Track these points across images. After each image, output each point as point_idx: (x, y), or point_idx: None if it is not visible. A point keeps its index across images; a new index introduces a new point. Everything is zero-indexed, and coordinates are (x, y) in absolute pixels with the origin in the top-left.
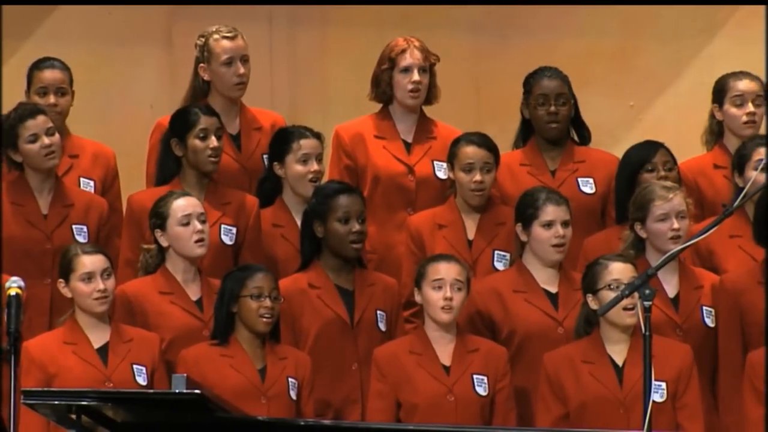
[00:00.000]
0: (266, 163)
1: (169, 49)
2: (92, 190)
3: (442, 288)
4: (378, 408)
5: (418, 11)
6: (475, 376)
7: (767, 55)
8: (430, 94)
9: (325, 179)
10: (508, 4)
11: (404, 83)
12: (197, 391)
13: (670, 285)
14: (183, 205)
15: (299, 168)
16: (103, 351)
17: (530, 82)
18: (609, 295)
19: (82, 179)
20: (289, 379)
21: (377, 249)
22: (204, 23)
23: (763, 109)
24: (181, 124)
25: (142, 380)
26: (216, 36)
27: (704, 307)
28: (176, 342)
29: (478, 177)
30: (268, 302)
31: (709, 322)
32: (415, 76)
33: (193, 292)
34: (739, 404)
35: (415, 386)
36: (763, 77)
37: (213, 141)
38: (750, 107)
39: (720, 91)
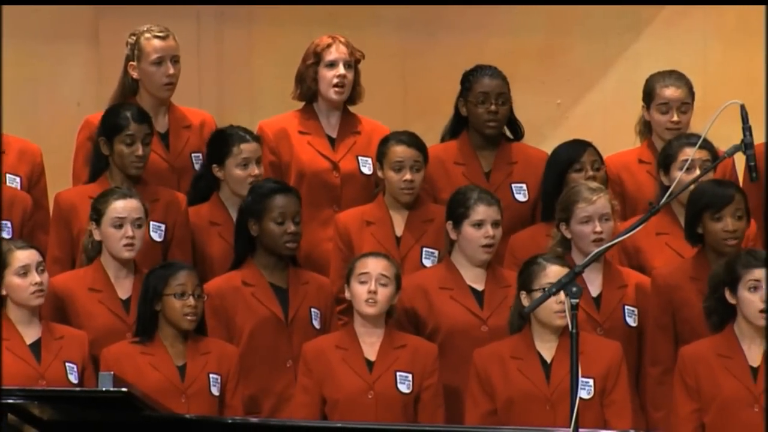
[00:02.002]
0: (194, 161)
1: (96, 46)
2: (18, 186)
3: (367, 282)
4: (303, 403)
5: (345, 9)
6: (398, 373)
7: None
8: (354, 93)
9: None
10: (435, 3)
11: (329, 77)
12: (124, 389)
13: (594, 284)
14: (119, 207)
15: (239, 172)
16: (36, 348)
17: (470, 79)
18: None
19: (8, 175)
20: (211, 375)
21: (302, 246)
22: (131, 21)
23: (689, 115)
24: (109, 125)
25: (74, 378)
26: (147, 35)
27: (626, 307)
28: (98, 342)
29: (408, 176)
30: (191, 300)
31: (631, 321)
32: (341, 70)
33: (125, 290)
34: (669, 400)
35: (337, 382)
36: (692, 75)
37: (138, 149)
38: (674, 116)
39: (648, 94)
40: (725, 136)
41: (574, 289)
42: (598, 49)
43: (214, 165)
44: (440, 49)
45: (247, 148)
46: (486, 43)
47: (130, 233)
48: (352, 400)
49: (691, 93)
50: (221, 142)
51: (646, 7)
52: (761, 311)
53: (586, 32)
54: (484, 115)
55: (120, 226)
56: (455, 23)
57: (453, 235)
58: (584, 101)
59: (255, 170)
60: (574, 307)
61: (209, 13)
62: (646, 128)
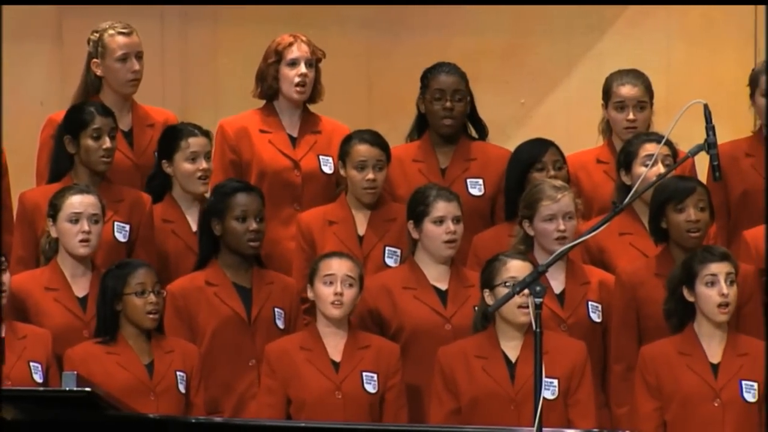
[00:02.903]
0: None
1: (60, 46)
2: None
3: (333, 283)
4: (267, 404)
5: (309, 9)
6: (364, 374)
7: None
8: (315, 92)
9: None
10: (399, 3)
11: (291, 76)
12: (88, 388)
13: (557, 281)
14: (76, 202)
15: (187, 166)
16: None
17: (428, 76)
18: (504, 292)
19: None
20: (177, 373)
21: (263, 244)
22: (95, 20)
23: (646, 113)
24: (75, 121)
25: (38, 377)
26: (111, 32)
27: (590, 303)
28: (55, 341)
29: (370, 175)
30: (152, 297)
31: (595, 317)
32: (302, 69)
33: (81, 288)
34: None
35: (303, 382)
36: (655, 75)
37: (106, 142)
38: (630, 115)
39: (606, 92)
40: (688, 135)
41: (538, 288)
42: (561, 48)
43: (164, 161)
44: (404, 48)
45: (195, 142)
46: (450, 42)
47: (86, 228)
48: (320, 400)
49: (648, 92)
50: (170, 138)
51: (610, 6)
52: (719, 306)
53: (549, 32)
54: (440, 111)
55: (76, 221)
56: (419, 23)
57: (415, 234)
58: (548, 101)
59: (203, 164)
60: (538, 307)
61: (173, 13)
62: (608, 127)
